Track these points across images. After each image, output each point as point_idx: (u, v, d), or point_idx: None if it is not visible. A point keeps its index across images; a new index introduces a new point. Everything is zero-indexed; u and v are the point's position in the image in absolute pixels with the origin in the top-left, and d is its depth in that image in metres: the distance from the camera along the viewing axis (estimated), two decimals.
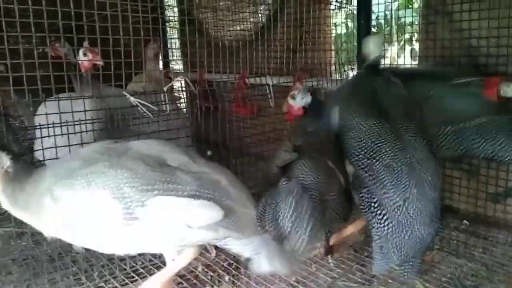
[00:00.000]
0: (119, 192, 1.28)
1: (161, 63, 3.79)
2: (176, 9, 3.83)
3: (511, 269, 1.93)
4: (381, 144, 1.67)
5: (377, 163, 1.65)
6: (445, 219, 2.42)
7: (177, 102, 3.12)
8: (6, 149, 1.40)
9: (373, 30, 3.84)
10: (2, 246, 2.17)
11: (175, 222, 1.34)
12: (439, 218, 1.66)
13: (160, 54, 3.44)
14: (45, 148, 1.93)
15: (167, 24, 3.81)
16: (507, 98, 2.02)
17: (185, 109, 3.47)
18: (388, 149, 1.66)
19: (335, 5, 2.98)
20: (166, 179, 1.34)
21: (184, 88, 2.91)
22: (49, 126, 1.89)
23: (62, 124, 1.90)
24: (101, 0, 1.99)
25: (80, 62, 2.07)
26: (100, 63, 2.06)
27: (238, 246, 1.47)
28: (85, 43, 2.05)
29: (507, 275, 1.90)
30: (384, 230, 1.60)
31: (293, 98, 2.03)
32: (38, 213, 1.35)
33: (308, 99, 2.01)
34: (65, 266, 1.93)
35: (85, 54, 2.09)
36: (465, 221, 2.40)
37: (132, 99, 2.02)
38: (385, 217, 1.61)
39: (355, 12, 2.94)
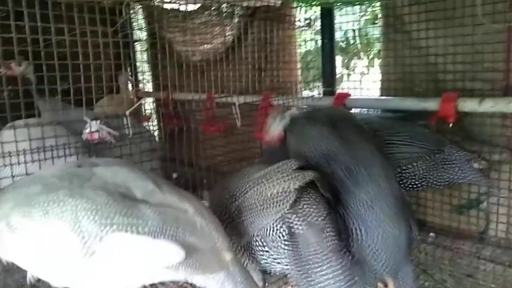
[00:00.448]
0: (77, 224, 1.22)
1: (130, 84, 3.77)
2: (144, 30, 3.83)
3: (477, 279, 1.97)
4: (337, 150, 1.67)
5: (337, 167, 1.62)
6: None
7: (145, 124, 3.11)
8: None
9: (342, 45, 3.95)
10: None
11: (132, 261, 1.27)
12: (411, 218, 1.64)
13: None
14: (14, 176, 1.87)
15: (135, 45, 3.82)
16: (464, 113, 2.09)
17: (154, 131, 3.46)
18: (345, 154, 1.66)
19: (298, 25, 3.03)
20: (126, 213, 1.26)
21: (153, 109, 2.90)
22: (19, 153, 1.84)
23: (33, 151, 1.84)
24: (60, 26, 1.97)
25: None
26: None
27: (202, 280, 1.39)
28: None
29: (473, 285, 1.94)
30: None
31: (271, 124, 1.97)
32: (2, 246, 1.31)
33: (286, 121, 1.95)
34: None
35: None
36: (431, 234, 2.44)
37: (93, 123, 2.00)
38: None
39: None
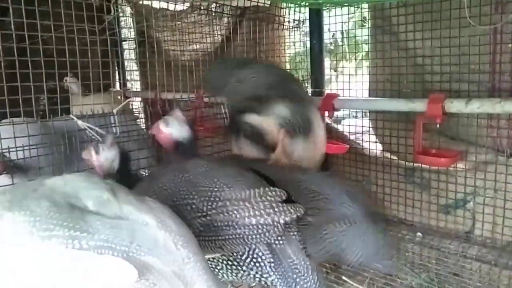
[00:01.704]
0: (14, 239, 1.10)
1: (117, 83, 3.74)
2: (132, 29, 3.80)
3: (463, 278, 2.00)
4: None
5: None
6: (400, 232, 2.49)
7: (136, 123, 3.07)
8: None
9: (330, 47, 3.97)
10: None
11: (74, 281, 1.10)
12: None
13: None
14: None
15: (123, 44, 3.78)
16: (450, 113, 2.11)
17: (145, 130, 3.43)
18: None
19: (287, 26, 3.04)
20: (69, 225, 1.11)
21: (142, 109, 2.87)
22: None
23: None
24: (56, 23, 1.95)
25: None
26: None
27: None
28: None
29: (459, 284, 1.96)
30: None
31: (166, 124, 1.82)
32: None
33: (183, 131, 1.81)
34: None
35: None
36: (418, 233, 2.46)
37: (80, 122, 1.97)
38: None
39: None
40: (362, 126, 2.82)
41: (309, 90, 2.82)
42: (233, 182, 1.43)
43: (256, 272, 1.41)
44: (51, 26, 2.02)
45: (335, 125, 2.94)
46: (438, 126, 2.15)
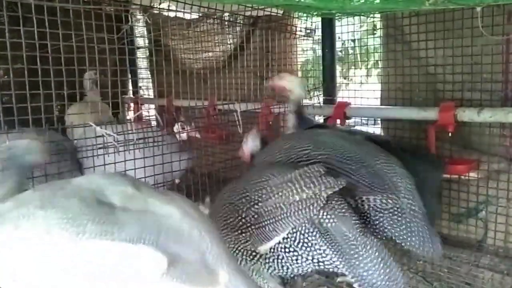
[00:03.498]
0: (48, 236, 1.16)
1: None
2: (145, 38, 3.86)
3: None
4: None
5: None
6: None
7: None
8: None
9: (340, 55, 3.99)
10: None
11: (109, 271, 1.16)
12: None
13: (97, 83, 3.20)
14: None
15: (136, 52, 3.84)
16: (462, 122, 2.12)
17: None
18: None
19: (299, 35, 3.07)
20: (100, 220, 1.17)
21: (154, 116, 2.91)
22: None
23: None
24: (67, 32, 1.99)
25: None
26: None
27: None
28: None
29: None
30: None
31: (245, 143, 2.13)
32: None
33: (257, 144, 2.09)
34: None
35: None
36: None
37: (98, 129, 2.01)
38: None
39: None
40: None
41: (321, 98, 2.83)
42: (278, 171, 1.55)
43: (314, 254, 1.44)
44: (69, 35, 2.06)
45: None
46: (450, 134, 2.15)
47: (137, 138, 2.12)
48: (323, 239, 1.41)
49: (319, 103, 2.78)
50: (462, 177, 2.33)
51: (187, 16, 2.98)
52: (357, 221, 1.44)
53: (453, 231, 2.46)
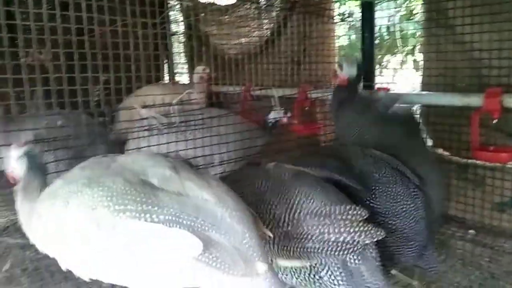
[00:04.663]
0: (93, 212, 1.21)
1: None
2: (182, 24, 3.89)
3: None
4: None
5: None
6: (450, 229, 2.44)
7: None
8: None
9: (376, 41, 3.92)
10: (14, 257, 2.19)
11: (146, 251, 1.19)
12: None
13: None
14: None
15: (173, 38, 3.88)
16: (508, 109, 2.05)
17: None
18: None
19: (337, 19, 3.03)
20: (141, 200, 1.21)
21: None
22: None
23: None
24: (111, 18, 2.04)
25: None
26: None
27: (227, 284, 1.22)
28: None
29: None
30: None
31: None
32: (30, 229, 1.35)
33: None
34: (72, 277, 1.93)
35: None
36: (471, 231, 2.41)
37: (143, 111, 2.06)
38: None
39: (358, 24, 2.99)
40: None
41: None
42: (314, 193, 1.45)
43: (329, 284, 1.42)
44: (113, 21, 2.12)
45: None
46: (494, 122, 2.09)
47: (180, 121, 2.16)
48: (341, 277, 1.39)
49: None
50: (507, 165, 2.27)
51: (224, 2, 2.97)
52: (378, 261, 1.41)
53: (495, 220, 2.40)
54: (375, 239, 1.35)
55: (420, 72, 2.79)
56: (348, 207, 1.38)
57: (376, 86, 2.75)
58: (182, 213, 1.20)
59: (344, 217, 1.37)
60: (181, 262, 1.19)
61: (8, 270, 2.05)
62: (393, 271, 1.94)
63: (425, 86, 2.65)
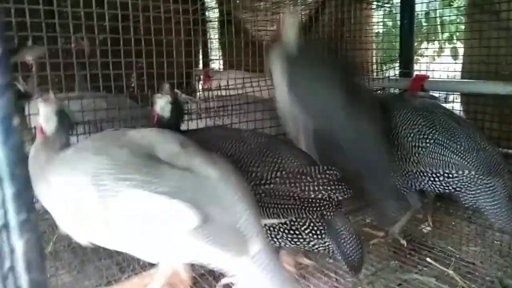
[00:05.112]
0: (97, 178, 1.25)
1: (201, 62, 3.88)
2: (216, 10, 3.92)
3: None
4: None
5: None
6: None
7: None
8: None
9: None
10: (56, 233, 2.28)
11: (145, 221, 1.23)
12: None
13: None
14: None
15: (207, 24, 3.91)
16: None
17: None
18: None
19: (376, 5, 2.97)
20: (144, 171, 1.25)
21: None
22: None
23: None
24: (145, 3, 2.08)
25: None
26: None
27: (223, 261, 1.25)
28: None
29: None
30: None
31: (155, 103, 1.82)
32: (43, 197, 1.39)
33: (167, 107, 1.78)
34: (109, 256, 1.98)
35: None
36: None
37: (183, 96, 2.11)
38: None
39: (394, 10, 2.94)
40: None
41: (397, 71, 2.76)
42: (294, 155, 1.58)
43: (315, 241, 1.56)
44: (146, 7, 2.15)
45: None
46: None
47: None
48: (323, 229, 1.54)
49: (395, 75, 2.70)
50: None
51: None
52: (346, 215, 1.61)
53: None
54: (348, 196, 1.50)
55: (460, 60, 2.72)
56: (325, 168, 1.52)
57: (415, 73, 2.71)
58: (183, 187, 1.23)
59: (322, 176, 1.50)
60: (178, 234, 1.22)
61: (52, 247, 2.14)
62: (428, 259, 1.94)
63: (466, 73, 2.58)
